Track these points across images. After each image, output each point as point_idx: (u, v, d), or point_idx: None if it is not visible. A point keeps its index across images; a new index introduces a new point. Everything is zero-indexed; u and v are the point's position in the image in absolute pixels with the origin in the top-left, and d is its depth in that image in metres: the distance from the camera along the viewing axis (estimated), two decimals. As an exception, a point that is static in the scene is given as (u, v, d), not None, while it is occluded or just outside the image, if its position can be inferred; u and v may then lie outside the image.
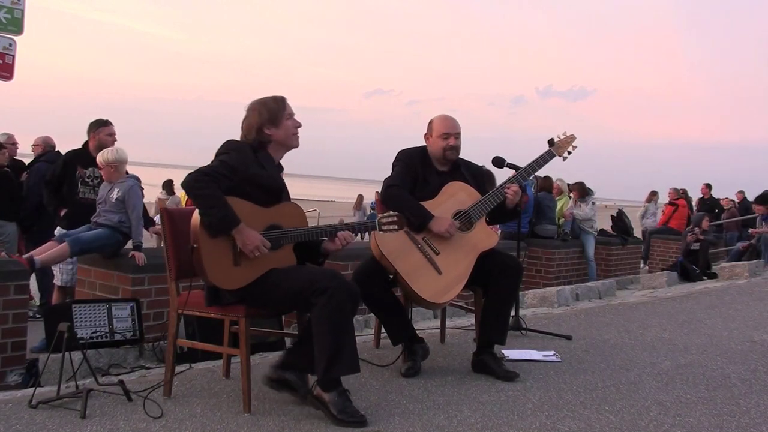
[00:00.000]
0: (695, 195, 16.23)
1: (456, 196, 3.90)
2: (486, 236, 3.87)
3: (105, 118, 5.94)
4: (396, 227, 3.29)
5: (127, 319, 4.80)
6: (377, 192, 4.12)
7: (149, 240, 6.82)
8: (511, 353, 4.19)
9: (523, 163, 4.03)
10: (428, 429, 2.93)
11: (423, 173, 3.94)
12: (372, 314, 4.70)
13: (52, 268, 5.64)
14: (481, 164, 4.31)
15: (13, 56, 6.10)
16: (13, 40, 6.09)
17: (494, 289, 3.81)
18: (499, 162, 4.16)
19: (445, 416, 3.09)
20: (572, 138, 4.09)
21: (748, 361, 4.37)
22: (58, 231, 5.80)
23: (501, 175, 4.08)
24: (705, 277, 10.46)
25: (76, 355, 3.53)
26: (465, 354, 4.12)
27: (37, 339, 5.02)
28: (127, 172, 5.61)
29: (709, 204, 15.72)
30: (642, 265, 12.90)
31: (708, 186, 16.30)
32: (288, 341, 4.96)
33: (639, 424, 3.09)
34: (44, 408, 3.03)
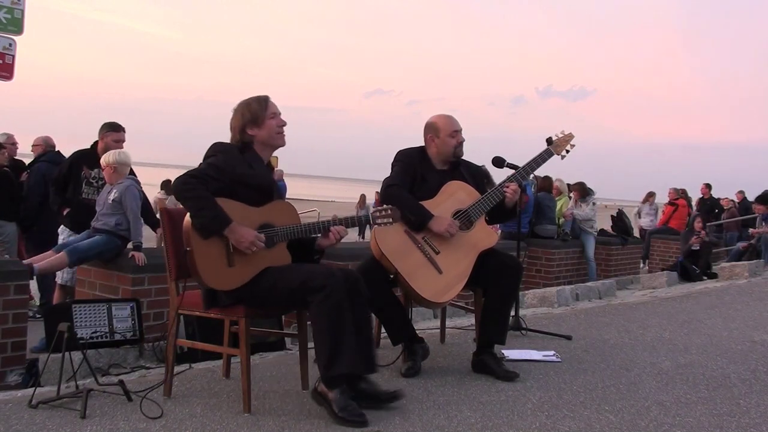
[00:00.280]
0: (695, 195, 16.24)
1: (455, 195, 3.90)
2: (486, 235, 3.87)
3: (118, 122, 5.93)
4: (390, 220, 3.29)
5: (127, 319, 4.80)
6: (377, 192, 4.12)
7: (149, 240, 6.82)
8: (511, 353, 4.19)
9: (522, 163, 4.03)
10: (428, 429, 2.93)
11: (422, 172, 3.94)
12: (372, 314, 4.70)
13: None
14: (480, 164, 4.31)
15: (13, 56, 6.09)
16: (13, 40, 6.08)
17: (494, 289, 3.81)
18: (499, 162, 4.17)
19: (445, 416, 3.09)
20: (570, 136, 4.09)
21: (748, 361, 4.37)
22: (62, 230, 5.81)
23: (501, 175, 4.08)
24: (705, 277, 10.47)
25: (76, 355, 3.53)
26: (465, 354, 4.12)
27: (37, 339, 5.03)
28: (133, 173, 5.63)
29: (709, 204, 15.72)
30: (642, 265, 12.91)
31: (708, 186, 16.30)
32: (288, 341, 4.97)
33: (639, 424, 3.09)
34: (44, 408, 3.03)
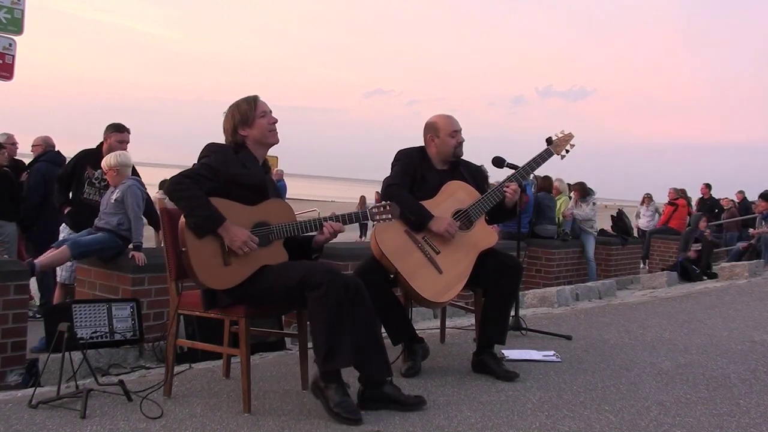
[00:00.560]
0: (695, 195, 16.26)
1: (455, 195, 3.90)
2: (486, 235, 3.87)
3: (122, 123, 5.95)
4: (389, 216, 3.30)
5: (127, 319, 4.80)
6: (377, 192, 4.13)
7: (150, 240, 6.83)
8: (511, 353, 4.19)
9: (522, 163, 4.03)
10: (428, 429, 2.93)
11: (422, 172, 3.94)
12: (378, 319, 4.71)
13: None
14: (479, 164, 4.31)
15: (13, 56, 6.10)
16: (13, 40, 6.08)
17: (494, 289, 3.81)
18: (499, 162, 4.17)
19: (445, 416, 3.09)
20: (570, 136, 4.09)
21: (748, 361, 4.37)
22: (63, 228, 5.83)
23: (501, 175, 4.08)
24: (705, 277, 10.47)
25: (76, 355, 3.53)
26: (465, 354, 4.12)
27: (37, 339, 5.03)
28: (137, 173, 5.64)
29: (709, 204, 15.72)
30: (642, 265, 12.92)
31: (708, 186, 16.30)
32: (288, 341, 4.97)
33: (639, 424, 3.09)
34: (44, 408, 3.03)
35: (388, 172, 3.98)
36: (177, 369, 3.55)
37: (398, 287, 3.80)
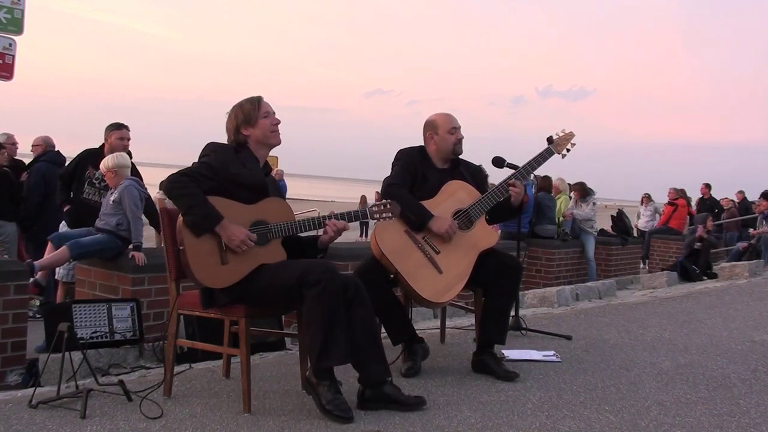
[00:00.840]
0: (695, 195, 16.27)
1: (455, 195, 3.90)
2: (486, 235, 3.87)
3: (121, 122, 5.96)
4: (390, 215, 3.31)
5: (127, 319, 4.80)
6: (377, 192, 4.13)
7: (150, 240, 6.83)
8: (511, 353, 4.19)
9: (522, 163, 4.03)
10: (428, 429, 2.93)
11: (422, 172, 3.94)
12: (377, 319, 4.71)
13: None
14: (478, 164, 4.31)
15: (13, 56, 6.10)
16: (13, 40, 6.09)
17: (494, 288, 3.81)
18: (499, 162, 4.16)
19: (445, 416, 3.09)
20: (571, 135, 4.09)
21: (748, 361, 4.37)
22: (62, 226, 5.84)
23: (501, 175, 4.08)
24: (705, 277, 10.47)
25: (76, 355, 3.53)
26: (465, 354, 4.12)
27: (37, 339, 5.02)
28: (138, 174, 5.64)
29: (709, 204, 15.72)
30: (642, 265, 12.92)
31: (708, 186, 16.31)
32: (288, 341, 4.97)
33: (639, 424, 3.09)
34: (44, 408, 3.03)
35: (388, 172, 3.98)
36: (177, 369, 3.55)
37: (398, 287, 3.80)
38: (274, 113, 3.31)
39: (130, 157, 5.74)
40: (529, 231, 9.31)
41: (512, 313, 4.61)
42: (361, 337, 3.05)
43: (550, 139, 4.08)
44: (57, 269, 5.72)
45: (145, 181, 5.85)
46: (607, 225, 12.27)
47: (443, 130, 3.95)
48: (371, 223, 3.54)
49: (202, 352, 3.92)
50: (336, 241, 3.45)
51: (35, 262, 5.19)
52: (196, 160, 3.20)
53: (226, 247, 3.04)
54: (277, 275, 3.04)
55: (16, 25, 6.07)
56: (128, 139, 5.91)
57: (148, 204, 5.65)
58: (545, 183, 9.84)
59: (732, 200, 16.21)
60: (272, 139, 3.32)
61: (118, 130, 5.86)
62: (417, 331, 4.00)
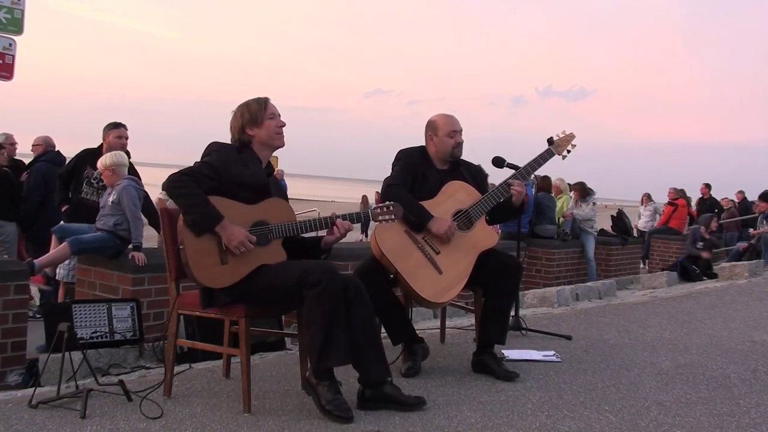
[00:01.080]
0: (695, 195, 16.27)
1: (455, 195, 3.90)
2: (486, 235, 3.87)
3: (119, 121, 5.97)
4: (392, 217, 3.31)
5: (127, 319, 4.80)
6: (377, 192, 4.13)
7: (150, 240, 6.83)
8: (511, 353, 4.19)
9: (522, 163, 4.03)
10: (428, 429, 2.93)
11: (423, 172, 3.94)
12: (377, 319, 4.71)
13: None
14: (477, 164, 4.30)
15: (13, 56, 6.10)
16: (13, 40, 6.08)
17: (494, 288, 3.81)
18: (499, 162, 4.16)
19: (445, 416, 3.09)
20: (571, 136, 4.09)
21: (748, 361, 4.37)
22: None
23: (501, 176, 4.08)
24: (705, 277, 10.47)
25: (76, 355, 3.53)
26: (465, 354, 4.12)
27: (38, 339, 5.02)
28: (136, 173, 5.64)
29: (709, 204, 15.73)
30: (641, 265, 12.92)
31: (708, 186, 16.31)
32: (288, 341, 4.97)
33: (639, 424, 3.09)
34: (44, 408, 3.03)
35: (388, 172, 3.98)
36: (177, 369, 3.55)
37: (398, 287, 3.80)
38: (279, 115, 3.31)
39: (129, 157, 5.74)
40: (529, 231, 9.32)
41: (512, 313, 4.61)
42: (361, 337, 3.06)
43: (550, 140, 4.08)
44: (57, 270, 5.72)
45: (145, 182, 5.85)
46: (607, 225, 12.27)
47: (442, 133, 3.94)
48: (372, 223, 3.54)
49: (202, 352, 3.92)
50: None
51: (35, 261, 5.20)
52: (199, 159, 3.21)
53: (226, 247, 3.04)
54: (277, 276, 3.04)
55: (16, 25, 6.07)
56: (126, 138, 5.91)
57: (146, 203, 5.65)
58: (545, 183, 9.84)
59: (732, 200, 16.21)
60: (276, 141, 3.32)
61: (116, 129, 5.88)
62: (417, 331, 4.00)
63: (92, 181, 5.80)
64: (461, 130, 3.99)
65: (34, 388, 3.28)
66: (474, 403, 3.30)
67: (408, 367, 3.77)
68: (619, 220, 11.88)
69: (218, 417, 2.99)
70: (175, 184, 3.05)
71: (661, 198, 15.77)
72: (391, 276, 3.75)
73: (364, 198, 23.51)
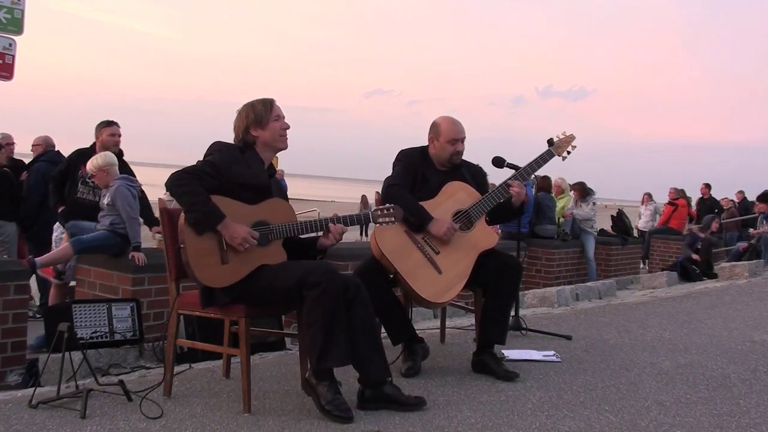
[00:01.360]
0: (695, 195, 16.27)
1: (456, 195, 3.90)
2: (486, 236, 3.87)
3: (111, 119, 5.97)
4: (393, 219, 3.30)
5: (127, 319, 4.80)
6: (377, 192, 4.12)
7: (150, 240, 6.83)
8: (511, 353, 4.19)
9: (522, 163, 4.03)
10: (428, 429, 2.93)
11: (423, 172, 3.94)
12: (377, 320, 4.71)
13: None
14: (477, 164, 4.30)
15: (13, 56, 6.10)
16: (13, 40, 6.08)
17: (494, 289, 3.81)
18: (499, 162, 4.16)
19: (445, 416, 3.09)
20: (572, 138, 4.09)
21: (748, 361, 4.37)
22: (57, 227, 5.83)
23: (501, 175, 4.08)
24: (705, 277, 10.47)
25: (76, 355, 3.53)
26: (465, 354, 4.12)
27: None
28: (129, 170, 5.63)
29: (709, 204, 15.73)
30: (641, 265, 12.92)
31: (708, 186, 16.31)
32: (288, 341, 4.97)
33: (639, 424, 3.09)
34: (44, 408, 3.03)
35: (388, 172, 3.98)
36: (177, 369, 3.55)
37: (398, 287, 3.80)
38: (284, 117, 3.32)
39: (122, 155, 5.72)
40: (529, 231, 9.32)
41: (512, 313, 4.61)
42: (361, 338, 3.06)
43: (550, 141, 4.08)
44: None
45: (145, 182, 5.85)
46: (607, 225, 12.27)
47: (444, 139, 3.93)
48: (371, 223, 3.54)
49: (202, 352, 3.92)
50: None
51: (36, 259, 5.19)
52: (201, 159, 3.21)
53: (227, 246, 3.04)
54: (278, 276, 3.04)
55: (16, 25, 6.07)
56: (119, 136, 5.90)
57: (142, 200, 5.64)
58: (545, 183, 9.84)
59: (732, 200, 16.20)
60: (280, 143, 3.33)
61: (109, 127, 5.87)
62: (417, 331, 4.00)
63: (87, 180, 5.77)
64: (464, 139, 3.96)
65: (34, 388, 3.28)
66: (474, 403, 3.30)
67: (408, 367, 3.77)
68: (619, 220, 11.88)
69: (218, 417, 2.99)
70: (177, 182, 3.04)
71: (662, 198, 15.78)
72: (391, 276, 3.75)
73: (364, 198, 23.52)
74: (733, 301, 7.03)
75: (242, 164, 3.18)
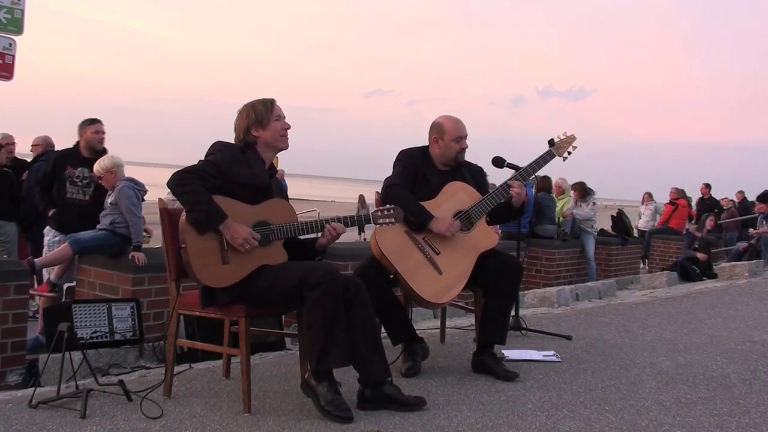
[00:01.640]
0: (695, 195, 16.27)
1: (456, 196, 3.90)
2: (486, 236, 3.87)
3: (95, 117, 5.95)
4: (393, 220, 3.30)
5: (127, 319, 4.80)
6: (377, 192, 4.12)
7: (156, 239, 6.83)
8: (511, 353, 4.19)
9: (523, 163, 4.03)
10: (428, 429, 2.93)
11: (424, 172, 3.94)
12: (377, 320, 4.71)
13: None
14: (477, 164, 4.30)
15: (13, 56, 6.10)
16: (13, 40, 6.08)
17: (494, 289, 3.81)
18: (499, 162, 4.16)
19: (445, 416, 3.09)
20: (572, 138, 4.09)
21: (748, 361, 4.37)
22: (47, 231, 5.76)
23: (501, 176, 4.08)
24: (705, 277, 10.47)
25: (76, 355, 3.53)
26: (465, 354, 4.12)
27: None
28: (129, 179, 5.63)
29: (709, 204, 15.73)
30: (641, 265, 12.92)
31: (708, 186, 16.31)
32: (288, 341, 4.97)
33: (639, 424, 3.09)
34: (44, 408, 3.03)
35: (388, 172, 3.98)
36: (177, 369, 3.55)
37: (398, 287, 3.80)
38: (284, 118, 3.32)
39: (105, 152, 5.66)
40: (529, 231, 9.31)
41: (512, 313, 4.61)
42: (361, 338, 3.06)
43: (551, 142, 4.08)
44: (49, 274, 5.67)
45: (145, 181, 5.83)
46: (607, 225, 12.26)
47: (449, 137, 3.93)
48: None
49: (202, 352, 3.92)
50: (336, 241, 3.45)
51: (36, 260, 5.19)
52: (202, 158, 3.21)
53: (227, 246, 3.04)
54: (278, 276, 3.04)
55: (16, 25, 6.06)
56: (103, 133, 5.84)
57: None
58: (545, 183, 9.84)
59: (732, 200, 16.21)
60: (281, 143, 3.33)
61: (93, 125, 5.81)
62: (417, 331, 4.00)
63: (75, 180, 5.70)
64: (467, 136, 3.98)
65: (34, 388, 3.28)
66: (474, 403, 3.30)
67: (408, 367, 3.77)
68: (619, 220, 11.88)
69: (218, 417, 2.99)
70: (179, 181, 3.04)
71: (662, 198, 15.79)
72: (391, 276, 3.75)
73: (361, 197, 23.52)
74: (733, 301, 7.03)
75: (243, 164, 3.19)
